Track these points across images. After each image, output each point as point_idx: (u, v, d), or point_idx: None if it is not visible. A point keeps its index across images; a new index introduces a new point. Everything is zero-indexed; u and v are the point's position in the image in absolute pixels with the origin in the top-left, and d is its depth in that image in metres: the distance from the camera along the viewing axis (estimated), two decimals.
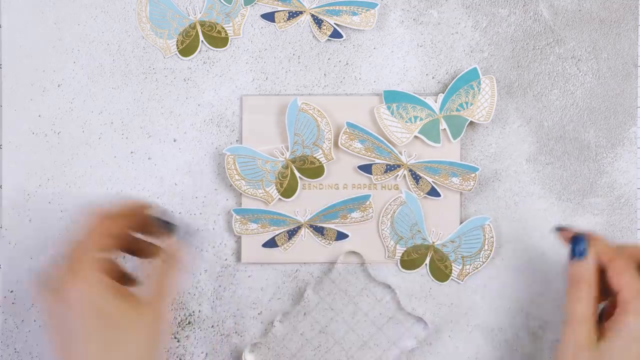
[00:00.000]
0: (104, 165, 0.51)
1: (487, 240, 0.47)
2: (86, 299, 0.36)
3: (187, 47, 0.51)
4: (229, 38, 0.51)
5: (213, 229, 0.51)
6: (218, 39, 0.51)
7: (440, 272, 0.47)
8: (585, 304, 0.40)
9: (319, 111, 0.46)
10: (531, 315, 0.51)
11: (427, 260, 0.47)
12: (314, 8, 0.51)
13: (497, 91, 0.49)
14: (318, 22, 0.51)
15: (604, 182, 0.51)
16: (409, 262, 0.47)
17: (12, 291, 0.51)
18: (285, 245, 0.47)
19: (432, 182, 0.46)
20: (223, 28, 0.51)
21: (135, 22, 0.51)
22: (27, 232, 0.51)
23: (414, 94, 0.47)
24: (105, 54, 0.51)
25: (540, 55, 0.51)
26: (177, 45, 0.51)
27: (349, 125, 0.46)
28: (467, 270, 0.47)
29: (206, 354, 0.51)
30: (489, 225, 0.47)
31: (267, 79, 0.51)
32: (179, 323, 0.51)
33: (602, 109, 0.52)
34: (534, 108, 0.51)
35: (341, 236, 0.47)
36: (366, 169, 0.47)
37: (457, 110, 0.47)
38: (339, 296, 0.51)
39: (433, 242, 0.47)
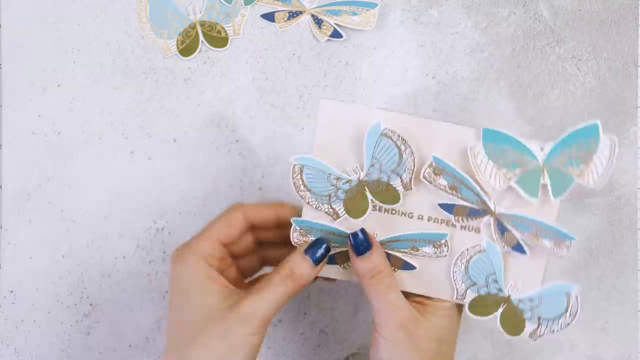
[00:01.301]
0: (104, 165, 0.51)
1: (570, 309, 0.42)
2: (181, 277, 0.37)
3: (187, 47, 0.51)
4: (229, 38, 0.51)
5: None
6: (218, 39, 0.51)
7: (514, 325, 0.42)
8: (396, 289, 0.39)
9: (403, 140, 0.40)
10: None
11: (500, 310, 0.42)
12: (314, 8, 0.51)
13: (498, 91, 0.48)
14: (318, 22, 0.51)
15: None
16: (480, 308, 0.42)
17: (12, 291, 0.51)
18: (345, 264, 0.42)
19: (521, 238, 0.40)
20: (223, 28, 0.51)
21: (135, 22, 0.51)
22: (27, 232, 0.51)
23: (517, 138, 0.39)
24: (105, 54, 0.51)
25: (540, 55, 0.51)
26: (177, 45, 0.51)
27: (436, 159, 0.40)
28: (542, 332, 0.42)
29: None
30: (575, 294, 0.42)
31: (267, 79, 0.51)
32: None
33: (602, 109, 0.52)
34: (534, 108, 0.51)
35: (408, 266, 0.41)
36: (448, 208, 0.40)
37: (565, 166, 0.39)
38: (339, 295, 0.51)
39: (509, 296, 0.41)
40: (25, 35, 0.51)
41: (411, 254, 0.41)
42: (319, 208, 0.41)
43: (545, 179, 0.39)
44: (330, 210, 0.41)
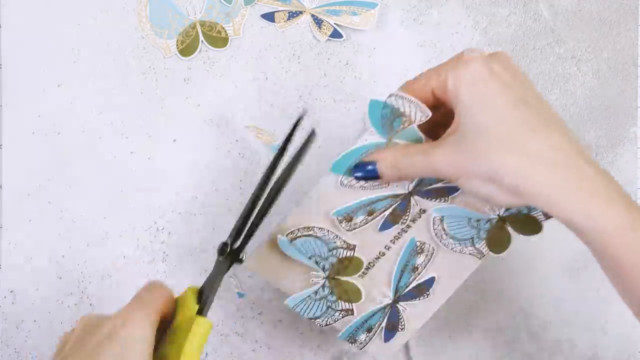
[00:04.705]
0: (104, 165, 0.51)
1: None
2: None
3: (187, 47, 0.51)
4: (229, 38, 0.51)
5: (213, 229, 0.51)
6: (218, 39, 0.51)
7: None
8: (414, 149, 0.36)
9: None
10: (531, 315, 0.51)
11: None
12: (314, 8, 0.51)
13: None
14: (318, 22, 0.51)
15: None
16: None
17: (12, 291, 0.51)
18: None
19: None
20: (223, 28, 0.51)
21: (135, 22, 0.51)
22: (27, 232, 0.51)
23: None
24: (105, 54, 0.51)
25: (540, 55, 0.51)
26: (177, 45, 0.51)
27: None
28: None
29: (206, 354, 0.51)
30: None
31: (267, 79, 0.51)
32: None
33: (602, 109, 0.52)
34: None
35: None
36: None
37: None
38: None
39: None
40: (25, 35, 0.51)
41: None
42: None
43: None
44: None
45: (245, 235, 0.37)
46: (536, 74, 0.51)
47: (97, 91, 0.51)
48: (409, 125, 0.37)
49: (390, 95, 0.36)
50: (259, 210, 0.38)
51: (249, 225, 0.38)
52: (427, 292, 0.42)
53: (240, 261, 0.37)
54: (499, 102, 0.33)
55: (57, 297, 0.50)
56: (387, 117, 0.37)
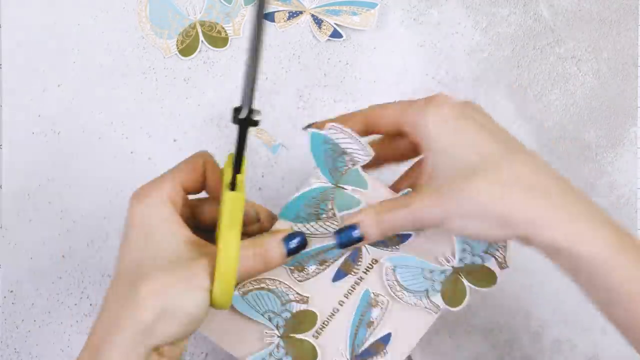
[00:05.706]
0: (104, 165, 0.51)
1: None
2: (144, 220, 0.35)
3: (187, 47, 0.51)
4: (229, 38, 0.51)
5: None
6: (218, 39, 0.51)
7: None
8: (399, 202, 0.36)
9: None
10: (531, 315, 0.51)
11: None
12: (314, 8, 0.51)
13: (498, 91, 0.48)
14: (318, 22, 0.51)
15: (604, 182, 0.51)
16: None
17: (12, 291, 0.51)
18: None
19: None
20: (223, 28, 0.51)
21: (135, 22, 0.51)
22: (27, 232, 0.51)
23: None
24: (105, 54, 0.51)
25: (540, 55, 0.51)
26: (177, 45, 0.51)
27: None
28: None
29: (206, 354, 0.51)
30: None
31: (267, 79, 0.51)
32: None
33: (602, 109, 0.52)
34: (534, 108, 0.51)
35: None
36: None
37: None
38: None
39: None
40: (25, 35, 0.51)
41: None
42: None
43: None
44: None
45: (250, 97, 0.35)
46: (536, 74, 0.51)
47: (97, 91, 0.51)
48: (352, 166, 0.36)
49: (330, 128, 0.34)
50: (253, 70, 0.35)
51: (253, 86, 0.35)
52: (384, 350, 0.40)
53: (255, 123, 0.34)
54: (474, 138, 0.34)
55: (57, 297, 0.50)
56: (329, 154, 0.36)
